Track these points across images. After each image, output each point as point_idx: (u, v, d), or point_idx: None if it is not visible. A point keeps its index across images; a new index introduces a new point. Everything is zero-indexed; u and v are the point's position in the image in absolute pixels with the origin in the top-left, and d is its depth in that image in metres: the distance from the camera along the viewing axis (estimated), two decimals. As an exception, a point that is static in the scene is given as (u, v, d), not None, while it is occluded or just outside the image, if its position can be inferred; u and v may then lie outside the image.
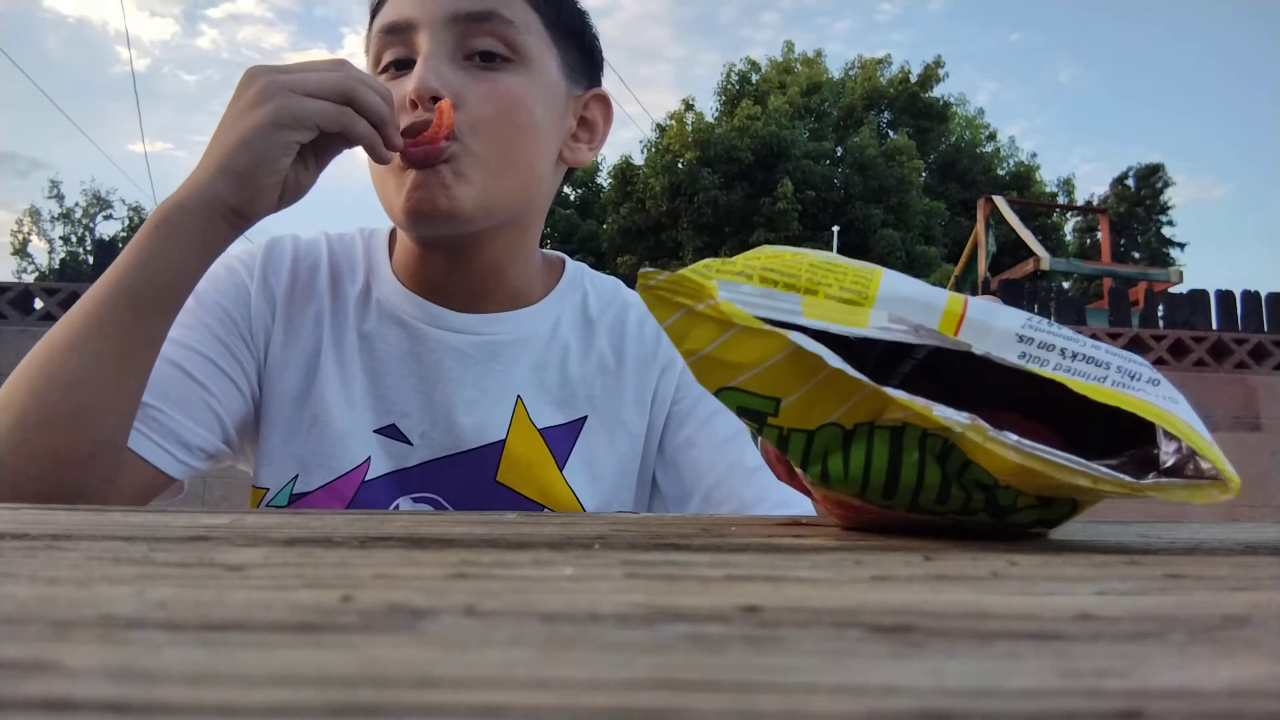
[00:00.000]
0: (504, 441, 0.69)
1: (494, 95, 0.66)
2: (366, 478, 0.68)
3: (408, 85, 0.64)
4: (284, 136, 0.56)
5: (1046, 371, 0.31)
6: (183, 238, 0.57)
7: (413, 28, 0.66)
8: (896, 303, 0.33)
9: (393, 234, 0.76)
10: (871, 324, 0.32)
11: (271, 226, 0.66)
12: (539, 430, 0.70)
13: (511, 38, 0.67)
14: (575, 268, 0.79)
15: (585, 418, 0.72)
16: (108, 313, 0.56)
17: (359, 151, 0.62)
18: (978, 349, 0.32)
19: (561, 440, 0.71)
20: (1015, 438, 0.29)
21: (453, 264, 0.70)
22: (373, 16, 0.71)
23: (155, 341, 0.58)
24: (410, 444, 0.69)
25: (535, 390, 0.71)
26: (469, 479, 0.69)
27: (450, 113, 0.63)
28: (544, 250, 0.78)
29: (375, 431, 0.69)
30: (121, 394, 0.57)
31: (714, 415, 0.72)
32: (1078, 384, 0.31)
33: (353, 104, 0.58)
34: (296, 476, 0.68)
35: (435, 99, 0.63)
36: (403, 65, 0.68)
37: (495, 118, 0.65)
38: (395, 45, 0.68)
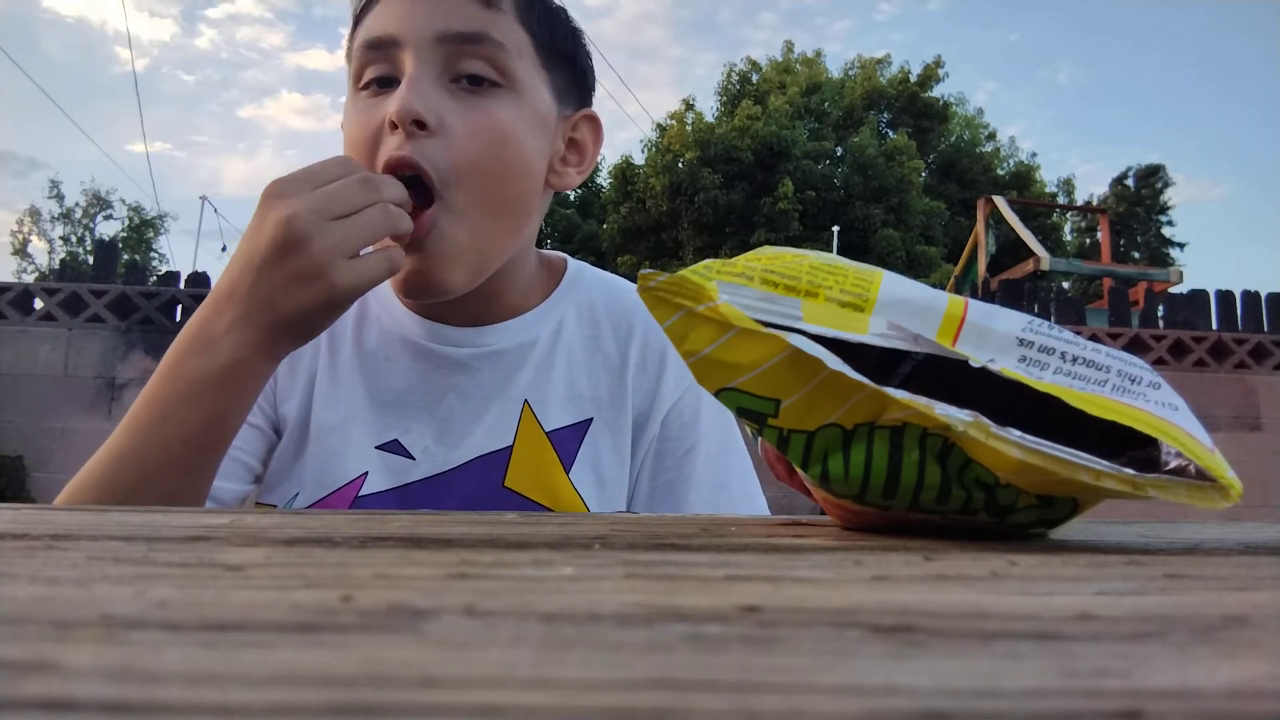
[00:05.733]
0: (511, 447, 0.70)
1: (482, 128, 0.63)
2: (361, 493, 0.68)
3: (389, 107, 0.61)
4: (345, 309, 0.57)
5: (1044, 384, 0.31)
6: (254, 388, 0.57)
7: (397, 45, 0.63)
8: (896, 307, 0.33)
9: None
10: (871, 331, 0.32)
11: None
12: (547, 433, 0.71)
13: (502, 61, 0.64)
14: (577, 267, 0.79)
15: (591, 420, 0.72)
16: (183, 463, 0.56)
17: None
18: (975, 361, 0.32)
19: (568, 442, 0.71)
20: (1018, 433, 0.29)
21: None
22: (355, 23, 0.67)
23: (220, 462, 0.59)
24: (412, 458, 0.69)
25: (542, 393, 0.71)
26: (476, 488, 0.69)
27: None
28: (543, 250, 0.78)
29: (377, 448, 0.69)
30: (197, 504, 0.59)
31: (696, 465, 0.72)
32: (1075, 395, 0.31)
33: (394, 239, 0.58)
34: (297, 495, 0.68)
35: (417, 122, 0.61)
36: (385, 83, 0.64)
37: (482, 154, 0.63)
38: (378, 62, 0.64)
